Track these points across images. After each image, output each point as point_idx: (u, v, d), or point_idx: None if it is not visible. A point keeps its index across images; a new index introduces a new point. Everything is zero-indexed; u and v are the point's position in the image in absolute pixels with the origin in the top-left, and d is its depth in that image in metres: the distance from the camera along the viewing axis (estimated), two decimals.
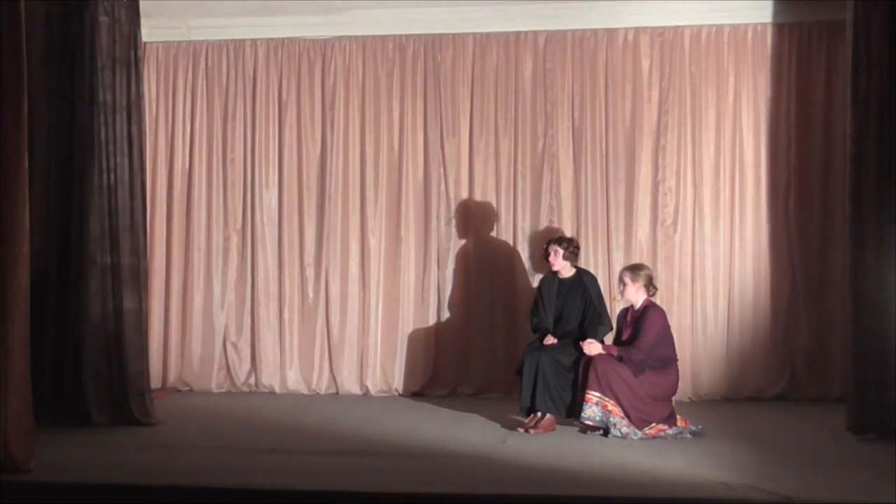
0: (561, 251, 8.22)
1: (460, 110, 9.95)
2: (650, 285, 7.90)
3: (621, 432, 7.48)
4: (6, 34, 6.31)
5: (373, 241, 9.99)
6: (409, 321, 9.90)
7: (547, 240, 8.54)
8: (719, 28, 9.63)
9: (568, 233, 9.34)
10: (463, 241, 9.92)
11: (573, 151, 9.79)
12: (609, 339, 8.09)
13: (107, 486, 5.94)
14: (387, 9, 9.78)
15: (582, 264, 8.75)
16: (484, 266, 9.86)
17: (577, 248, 8.37)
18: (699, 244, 9.61)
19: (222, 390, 10.03)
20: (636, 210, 9.67)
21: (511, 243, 9.82)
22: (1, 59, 6.29)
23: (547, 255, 8.32)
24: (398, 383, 9.86)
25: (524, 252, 9.76)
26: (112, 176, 8.16)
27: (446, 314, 9.89)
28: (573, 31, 9.79)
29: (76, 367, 7.97)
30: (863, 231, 7.44)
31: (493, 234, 9.88)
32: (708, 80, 9.66)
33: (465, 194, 9.93)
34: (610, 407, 7.54)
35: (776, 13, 9.46)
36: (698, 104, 9.66)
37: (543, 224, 9.72)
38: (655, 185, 9.66)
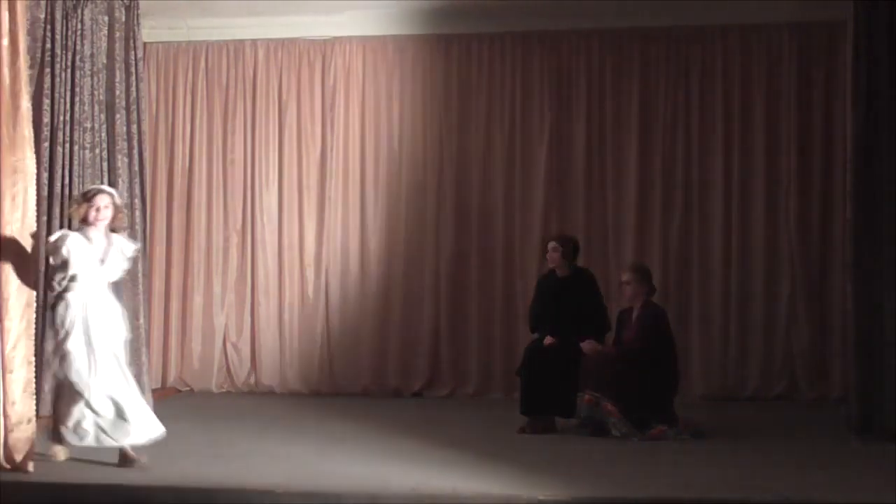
0: (560, 249, 8.12)
1: (461, 110, 9.95)
2: (650, 285, 7.90)
3: (621, 432, 7.46)
4: (7, 34, 6.33)
5: (373, 241, 10.00)
6: (409, 321, 9.90)
7: (546, 238, 8.53)
8: (723, 28, 9.63)
9: (571, 232, 9.30)
10: (463, 241, 9.92)
11: (577, 151, 9.79)
12: (609, 339, 8.07)
13: (106, 487, 5.92)
14: (387, 9, 9.77)
15: (583, 264, 8.73)
16: (484, 266, 9.86)
17: (576, 246, 8.23)
18: (700, 244, 9.62)
19: (222, 390, 10.04)
20: (638, 210, 9.68)
21: (512, 243, 9.82)
22: (1, 59, 6.31)
23: (545, 252, 8.29)
24: (398, 383, 9.86)
25: (525, 251, 9.76)
26: (112, 176, 8.18)
27: (446, 314, 9.89)
28: (580, 30, 9.79)
29: None
30: (863, 231, 7.45)
31: (495, 233, 9.88)
32: (711, 79, 9.68)
33: (465, 194, 9.92)
34: (609, 407, 7.53)
35: (777, 13, 9.46)
36: (703, 104, 9.68)
37: (545, 223, 9.71)
38: (659, 185, 9.68)
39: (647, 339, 7.63)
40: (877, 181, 7.40)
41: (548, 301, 8.13)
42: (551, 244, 8.18)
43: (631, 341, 7.67)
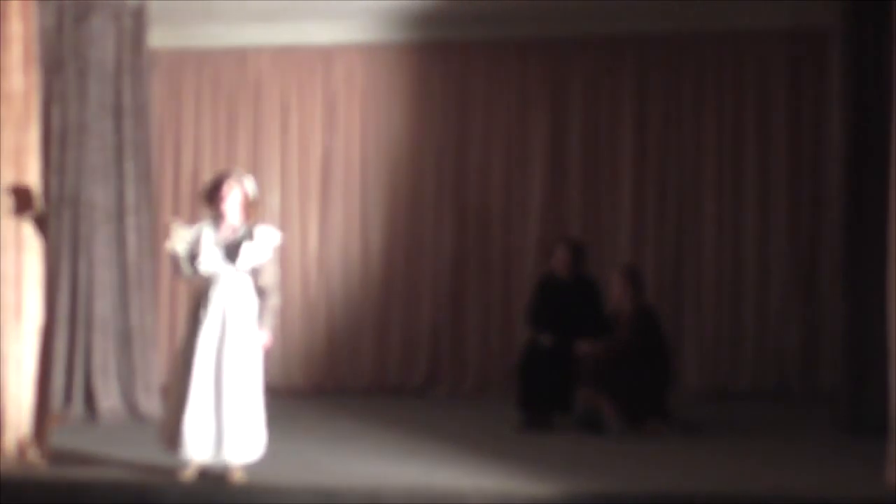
0: (569, 253, 8.13)
1: (464, 115, 10.04)
2: (639, 287, 7.99)
3: (617, 431, 7.54)
4: (20, 42, 6.44)
5: (373, 244, 10.11)
6: (408, 321, 10.00)
7: (551, 239, 8.61)
8: (715, 35, 9.75)
9: (571, 233, 9.40)
10: (463, 241, 10.02)
11: (579, 154, 9.90)
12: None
13: (108, 486, 5.97)
14: (389, 16, 9.88)
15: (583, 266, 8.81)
16: (483, 266, 9.97)
17: (580, 248, 8.23)
18: (693, 246, 9.73)
19: None
20: (633, 213, 9.79)
21: (512, 243, 9.93)
22: (12, 63, 6.42)
23: (550, 254, 8.31)
24: (397, 383, 9.95)
25: (525, 252, 9.86)
26: (119, 180, 8.31)
27: (445, 314, 9.98)
28: (583, 37, 9.85)
29: (85, 364, 8.10)
30: (853, 233, 7.62)
31: (494, 234, 9.99)
32: (703, 85, 9.79)
33: (466, 196, 10.03)
34: (605, 406, 7.62)
35: (771, 17, 9.54)
36: (696, 109, 9.78)
37: (546, 225, 9.82)
38: (653, 189, 9.79)
39: (642, 337, 7.74)
40: (865, 184, 7.53)
41: (548, 302, 8.15)
42: (561, 246, 8.20)
43: (625, 339, 7.78)
